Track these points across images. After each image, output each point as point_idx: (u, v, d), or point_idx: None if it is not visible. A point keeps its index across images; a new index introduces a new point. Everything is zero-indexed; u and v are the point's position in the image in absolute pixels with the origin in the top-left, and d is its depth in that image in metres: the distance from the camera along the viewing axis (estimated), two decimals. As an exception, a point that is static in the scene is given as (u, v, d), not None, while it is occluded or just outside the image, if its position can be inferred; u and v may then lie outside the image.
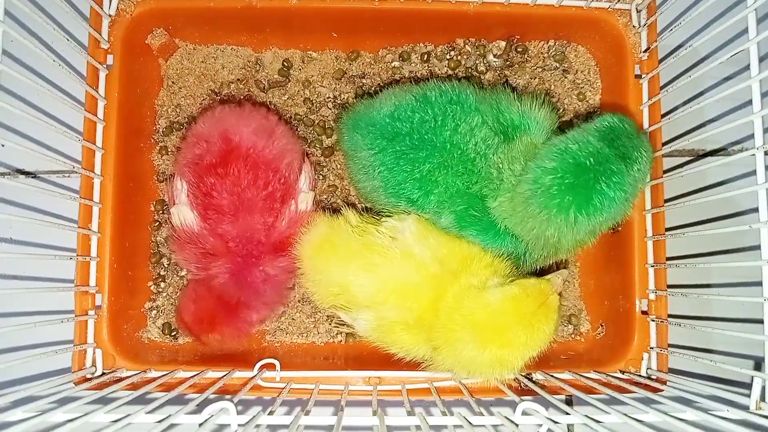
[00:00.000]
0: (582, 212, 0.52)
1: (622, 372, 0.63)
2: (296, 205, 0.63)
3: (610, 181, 0.52)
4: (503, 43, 0.72)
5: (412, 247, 0.57)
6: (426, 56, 0.73)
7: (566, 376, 0.62)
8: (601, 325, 0.69)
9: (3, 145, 0.75)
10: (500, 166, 0.57)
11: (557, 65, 0.73)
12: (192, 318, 0.62)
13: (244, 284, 0.61)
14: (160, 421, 0.44)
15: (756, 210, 0.49)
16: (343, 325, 0.69)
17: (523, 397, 0.52)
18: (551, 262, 0.62)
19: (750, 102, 0.50)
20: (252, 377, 0.60)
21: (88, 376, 0.61)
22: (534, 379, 0.61)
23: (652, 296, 0.63)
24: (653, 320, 0.63)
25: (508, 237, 0.59)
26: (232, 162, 0.60)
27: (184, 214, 0.62)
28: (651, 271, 0.64)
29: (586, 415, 0.47)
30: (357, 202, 0.71)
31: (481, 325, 0.54)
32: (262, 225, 0.61)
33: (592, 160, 0.52)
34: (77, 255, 0.62)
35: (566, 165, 0.52)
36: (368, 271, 0.57)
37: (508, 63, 0.72)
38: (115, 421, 0.43)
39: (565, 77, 0.73)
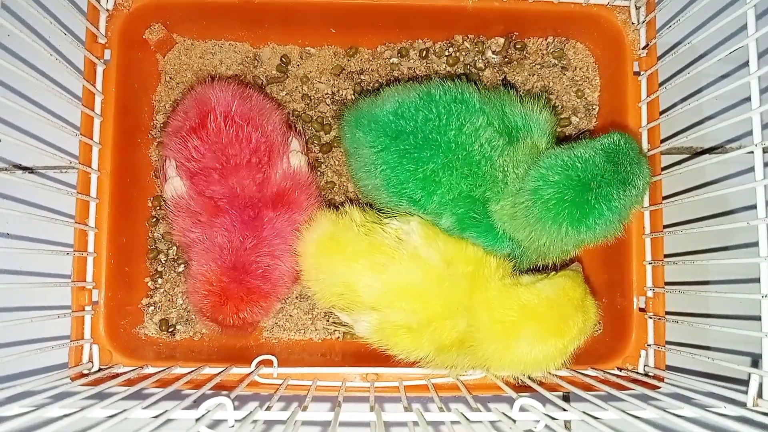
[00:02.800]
0: (574, 228, 0.54)
1: (620, 369, 0.63)
2: (288, 160, 0.63)
3: (608, 204, 0.54)
4: (502, 40, 0.72)
5: (419, 250, 0.57)
6: (424, 53, 0.72)
7: (564, 373, 0.62)
8: (599, 323, 0.69)
9: (0, 140, 0.74)
10: (505, 169, 0.57)
11: (556, 62, 0.73)
12: (211, 307, 0.61)
13: (248, 244, 0.60)
14: (156, 417, 0.44)
15: (754, 207, 0.49)
16: (340, 324, 0.69)
17: (520, 394, 0.52)
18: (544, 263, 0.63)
19: (747, 99, 0.50)
20: (249, 373, 0.60)
21: (85, 371, 0.61)
22: (531, 376, 0.61)
23: (649, 293, 0.63)
24: (651, 317, 0.63)
25: (507, 239, 0.59)
26: (210, 121, 0.60)
27: (174, 185, 0.62)
28: (649, 268, 0.64)
29: (584, 412, 0.47)
30: (355, 198, 0.71)
31: (542, 318, 0.55)
32: (250, 180, 0.61)
33: (594, 181, 0.53)
34: (74, 250, 0.62)
35: (569, 182, 0.54)
36: (375, 271, 0.57)
37: (506, 60, 0.72)
38: (112, 416, 0.43)
39: (564, 74, 0.73)
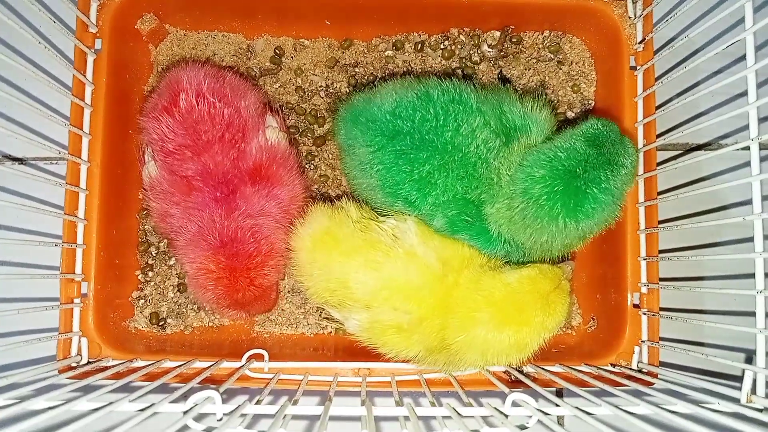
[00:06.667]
0: (571, 218, 0.53)
1: (613, 365, 0.63)
2: (264, 135, 0.62)
3: (599, 186, 0.53)
4: (498, 33, 0.71)
5: (416, 248, 0.57)
6: (420, 46, 0.72)
7: (557, 368, 0.61)
8: (593, 319, 0.69)
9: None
10: (500, 171, 0.57)
11: (552, 56, 0.72)
12: (226, 292, 0.60)
13: (226, 216, 0.59)
14: (143, 410, 0.43)
15: (749, 202, 0.49)
16: (332, 319, 0.68)
17: (512, 389, 0.51)
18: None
19: (743, 95, 0.50)
20: (239, 367, 0.60)
21: (73, 364, 0.60)
22: (524, 372, 0.61)
23: (644, 289, 0.63)
24: (645, 313, 0.63)
25: (501, 242, 0.58)
26: (182, 99, 0.60)
27: (149, 169, 0.62)
28: (643, 264, 0.63)
29: (577, 407, 0.47)
30: (350, 191, 0.71)
31: (499, 304, 0.54)
32: (224, 156, 0.60)
33: (581, 167, 0.53)
34: (63, 242, 0.61)
35: (555, 173, 0.53)
36: (371, 268, 0.56)
37: (502, 53, 0.72)
38: (96, 409, 0.42)
39: (560, 68, 0.72)
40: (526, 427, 0.46)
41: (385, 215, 0.60)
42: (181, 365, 0.59)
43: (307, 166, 0.71)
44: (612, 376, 0.58)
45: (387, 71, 0.72)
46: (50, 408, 0.42)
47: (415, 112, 0.57)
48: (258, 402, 0.48)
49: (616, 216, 0.57)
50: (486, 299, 0.54)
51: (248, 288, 0.60)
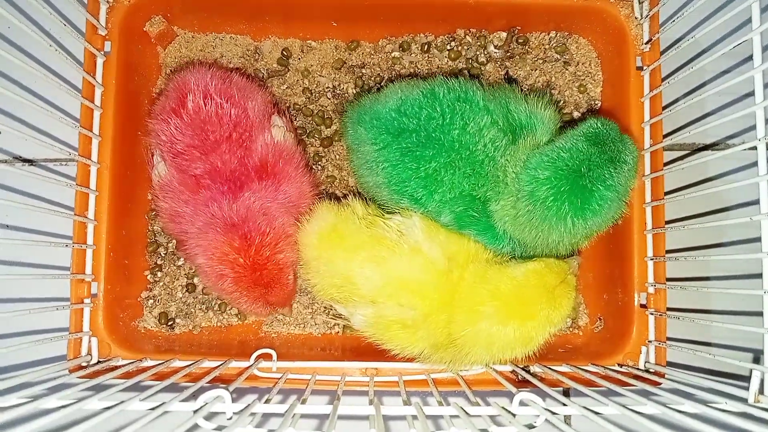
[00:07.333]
0: (579, 217, 0.54)
1: (621, 365, 0.63)
2: (270, 134, 0.63)
3: (604, 184, 0.53)
4: (504, 34, 0.71)
5: (421, 244, 0.57)
6: (426, 47, 0.72)
7: (564, 368, 0.61)
8: (600, 319, 0.69)
9: (0, 132, 0.74)
10: (505, 168, 0.57)
11: (558, 57, 0.72)
12: (243, 273, 0.60)
13: (234, 200, 0.60)
14: (153, 408, 0.44)
15: (756, 203, 0.49)
16: (340, 317, 0.68)
17: (520, 389, 0.51)
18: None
19: (749, 95, 0.50)
20: (248, 367, 0.60)
21: (84, 364, 0.60)
22: (532, 372, 0.61)
23: (651, 289, 0.63)
24: (652, 313, 0.63)
25: (507, 238, 0.59)
26: (190, 101, 0.60)
27: (159, 170, 0.63)
28: (650, 264, 0.63)
29: (584, 407, 0.47)
30: (357, 191, 0.71)
31: (504, 298, 0.54)
32: (231, 155, 0.60)
33: (585, 166, 0.53)
34: (73, 243, 0.61)
35: (560, 173, 0.53)
36: (376, 264, 0.57)
37: (508, 54, 0.72)
38: (108, 408, 0.43)
39: (566, 69, 0.72)
40: (533, 427, 0.46)
41: (391, 213, 0.60)
42: (190, 365, 0.60)
43: (314, 167, 0.72)
44: (619, 376, 0.58)
45: (394, 72, 0.72)
46: (62, 407, 0.42)
47: (420, 110, 0.58)
48: (267, 401, 0.48)
49: (622, 212, 0.57)
50: (491, 293, 0.54)
51: (266, 265, 0.60)
